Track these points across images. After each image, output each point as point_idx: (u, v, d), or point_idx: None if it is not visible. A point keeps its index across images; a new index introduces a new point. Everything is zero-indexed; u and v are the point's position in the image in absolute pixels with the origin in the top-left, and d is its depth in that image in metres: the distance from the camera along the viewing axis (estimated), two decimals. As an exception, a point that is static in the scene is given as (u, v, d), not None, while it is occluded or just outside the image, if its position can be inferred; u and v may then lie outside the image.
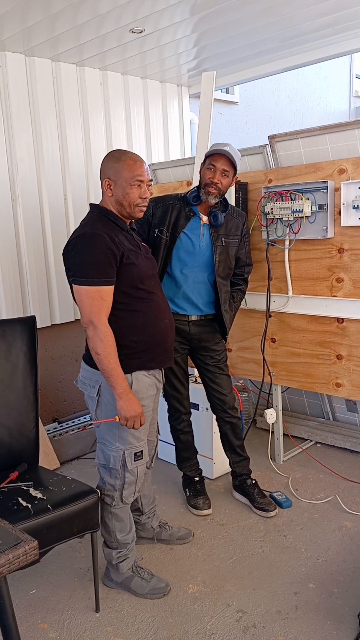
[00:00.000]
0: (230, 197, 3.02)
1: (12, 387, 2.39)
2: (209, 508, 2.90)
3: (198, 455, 3.05)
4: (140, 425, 2.10)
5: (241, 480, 2.96)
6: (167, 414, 2.94)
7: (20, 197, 3.59)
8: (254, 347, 3.32)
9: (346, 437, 3.52)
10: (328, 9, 3.14)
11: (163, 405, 2.85)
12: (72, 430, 3.81)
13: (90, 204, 2.20)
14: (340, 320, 2.91)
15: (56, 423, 3.89)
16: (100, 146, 4.02)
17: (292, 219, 2.91)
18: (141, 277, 2.12)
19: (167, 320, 2.24)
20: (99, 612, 2.22)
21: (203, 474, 3.06)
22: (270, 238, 3.05)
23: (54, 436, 3.69)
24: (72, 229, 3.82)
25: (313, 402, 3.78)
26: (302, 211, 2.84)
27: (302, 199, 2.84)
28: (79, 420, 3.96)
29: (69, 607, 2.26)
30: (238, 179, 3.04)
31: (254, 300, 3.22)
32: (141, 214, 2.17)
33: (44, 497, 2.09)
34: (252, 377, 3.42)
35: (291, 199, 2.88)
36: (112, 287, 2.05)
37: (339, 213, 2.78)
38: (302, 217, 2.87)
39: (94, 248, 2.00)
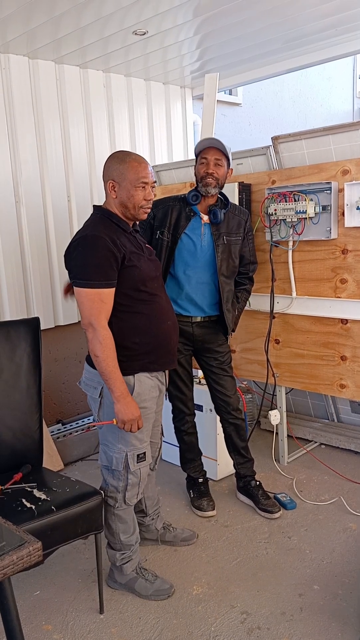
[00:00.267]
0: (234, 198, 3.02)
1: (16, 388, 2.40)
2: (213, 509, 2.90)
3: (202, 457, 3.04)
4: (138, 428, 2.09)
5: (245, 481, 2.95)
6: (172, 415, 2.95)
7: (23, 198, 3.60)
8: (257, 349, 3.31)
9: (351, 438, 3.51)
10: (331, 10, 3.14)
11: (167, 406, 2.85)
12: (76, 431, 3.81)
13: (94, 206, 2.20)
14: (344, 321, 2.90)
15: (60, 424, 3.90)
16: (103, 148, 4.03)
17: (295, 220, 2.91)
18: (143, 279, 2.11)
19: (171, 322, 2.23)
20: (103, 614, 2.21)
21: (207, 476, 3.06)
22: (273, 239, 3.05)
23: (58, 437, 3.70)
24: (76, 230, 3.78)
25: (317, 404, 3.77)
26: (305, 212, 2.83)
27: (305, 200, 2.84)
28: (83, 421, 3.96)
29: (73, 609, 2.26)
30: (242, 181, 3.05)
31: (257, 301, 3.22)
32: (145, 216, 2.18)
33: (48, 499, 2.09)
34: (256, 378, 3.42)
35: (295, 200, 2.87)
36: (113, 289, 2.04)
37: (343, 214, 2.78)
38: (306, 218, 2.86)
39: (95, 250, 2.00)
